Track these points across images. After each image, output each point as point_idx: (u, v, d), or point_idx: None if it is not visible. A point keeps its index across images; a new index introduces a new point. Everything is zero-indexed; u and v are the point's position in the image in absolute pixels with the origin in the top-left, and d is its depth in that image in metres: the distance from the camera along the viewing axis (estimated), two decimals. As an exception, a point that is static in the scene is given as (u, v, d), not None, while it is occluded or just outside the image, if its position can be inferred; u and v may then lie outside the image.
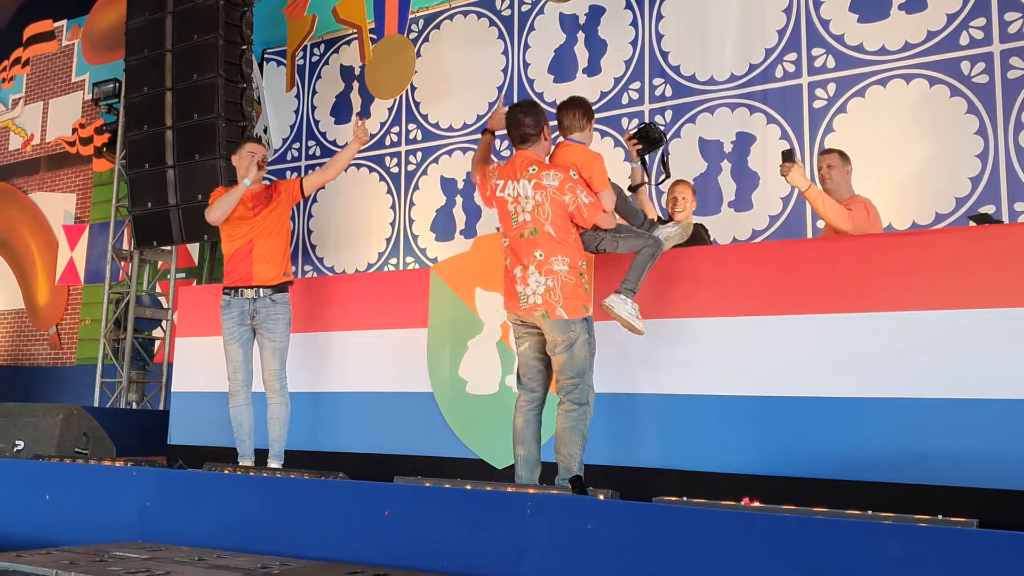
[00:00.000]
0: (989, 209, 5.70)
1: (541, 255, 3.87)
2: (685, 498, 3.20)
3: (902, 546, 2.58)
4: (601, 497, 3.41)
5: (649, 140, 4.71)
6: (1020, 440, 3.37)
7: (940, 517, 2.82)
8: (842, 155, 5.00)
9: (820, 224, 6.15)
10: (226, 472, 4.29)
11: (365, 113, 8.40)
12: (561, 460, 3.85)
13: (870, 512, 2.90)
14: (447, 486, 3.62)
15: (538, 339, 3.98)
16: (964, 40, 5.93)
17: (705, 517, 2.92)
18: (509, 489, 3.50)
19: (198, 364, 5.70)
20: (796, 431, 3.82)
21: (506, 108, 4.26)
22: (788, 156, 4.53)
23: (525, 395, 4.03)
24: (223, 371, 5.24)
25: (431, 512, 3.37)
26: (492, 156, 4.46)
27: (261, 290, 4.86)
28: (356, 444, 5.03)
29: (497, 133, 4.48)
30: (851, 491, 3.54)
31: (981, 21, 5.89)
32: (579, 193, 3.90)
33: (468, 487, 3.62)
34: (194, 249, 9.40)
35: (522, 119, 4.04)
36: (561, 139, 4.15)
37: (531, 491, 3.40)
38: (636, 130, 4.73)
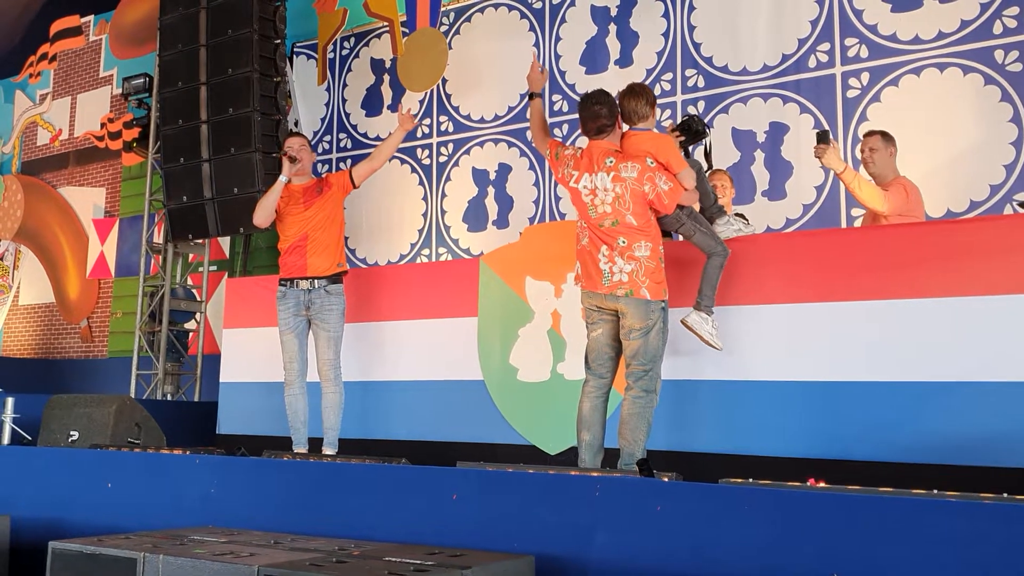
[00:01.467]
0: (1022, 196, 5.77)
1: (624, 242, 3.95)
2: (751, 480, 3.28)
3: (969, 523, 2.64)
4: (666, 480, 3.51)
5: (692, 132, 4.77)
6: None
7: (1005, 495, 2.88)
8: (885, 136, 4.96)
9: (855, 212, 6.24)
10: (287, 459, 4.39)
11: (396, 106, 8.47)
12: (625, 445, 3.93)
13: (935, 492, 2.98)
14: (510, 470, 3.72)
15: (612, 326, 4.06)
16: (998, 29, 5.98)
17: (774, 497, 2.99)
18: (573, 472, 3.60)
19: (246, 355, 5.82)
20: (854, 416, 3.90)
21: (542, 67, 4.29)
22: (823, 138, 4.61)
23: (594, 381, 4.11)
24: (271, 361, 5.36)
25: (499, 496, 3.46)
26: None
27: (316, 281, 4.97)
28: (408, 432, 5.14)
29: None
30: (912, 473, 3.63)
31: (1015, 10, 5.93)
32: (658, 181, 3.96)
33: (531, 471, 3.71)
34: (225, 242, 9.52)
35: (599, 111, 4.07)
36: (626, 128, 4.22)
37: (596, 474, 3.49)
38: (680, 122, 4.80)
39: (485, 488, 3.52)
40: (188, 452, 4.82)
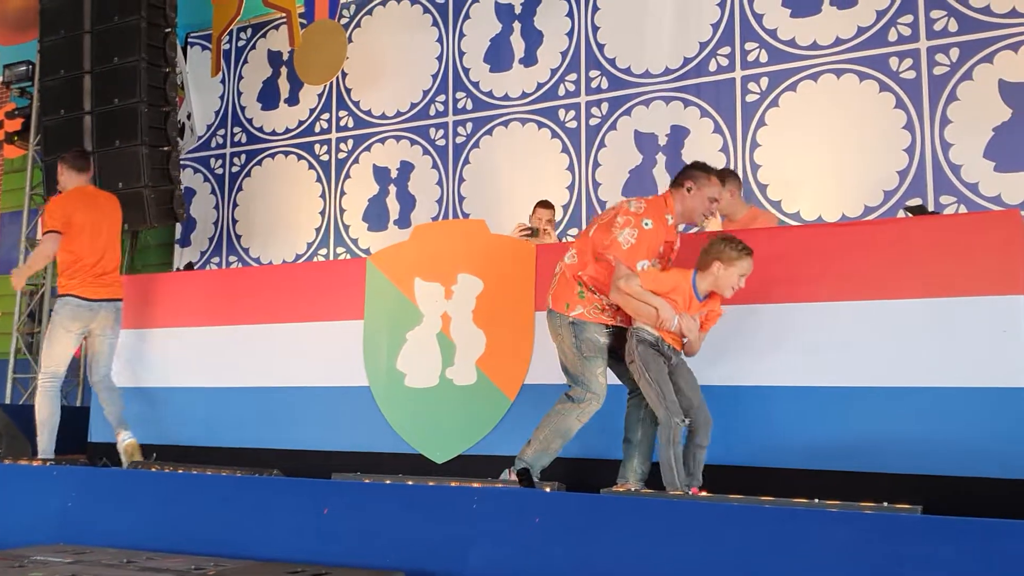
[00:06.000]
0: (915, 202, 5.83)
1: (570, 256, 3.94)
2: (633, 489, 3.17)
3: (849, 533, 2.60)
4: (547, 490, 3.37)
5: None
6: (959, 427, 3.43)
7: (885, 504, 2.84)
8: (728, 178, 4.58)
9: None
10: (154, 470, 4.12)
11: (294, 100, 8.22)
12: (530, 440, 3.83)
13: (816, 500, 2.92)
14: (388, 482, 3.54)
15: None
16: (892, 36, 6.05)
17: (654, 508, 2.91)
18: (452, 484, 3.44)
19: (122, 357, 5.46)
20: (737, 421, 3.82)
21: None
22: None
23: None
24: (144, 365, 5.15)
25: (372, 509, 3.28)
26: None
27: None
28: (289, 441, 4.87)
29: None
30: (794, 479, 3.57)
31: (908, 18, 6.01)
32: (617, 231, 3.76)
33: (410, 483, 3.54)
34: (112, 239, 9.06)
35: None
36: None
37: (476, 485, 3.34)
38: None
39: (357, 501, 3.34)
40: (48, 463, 4.51)
